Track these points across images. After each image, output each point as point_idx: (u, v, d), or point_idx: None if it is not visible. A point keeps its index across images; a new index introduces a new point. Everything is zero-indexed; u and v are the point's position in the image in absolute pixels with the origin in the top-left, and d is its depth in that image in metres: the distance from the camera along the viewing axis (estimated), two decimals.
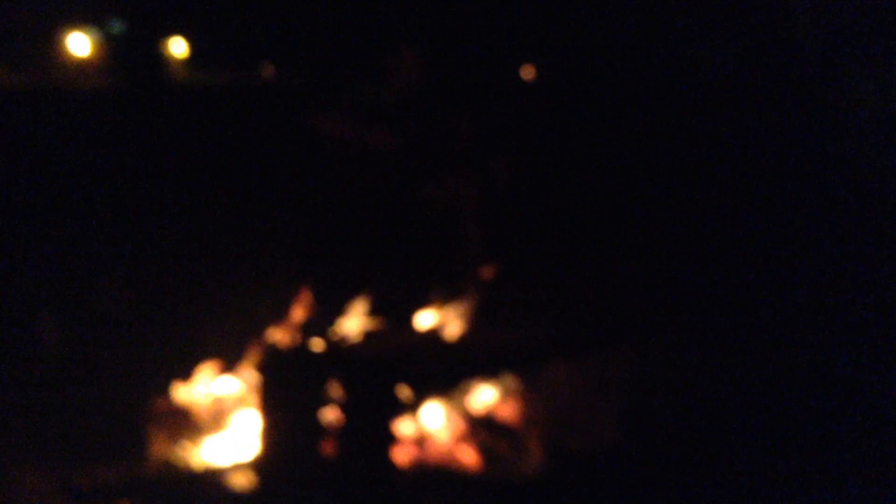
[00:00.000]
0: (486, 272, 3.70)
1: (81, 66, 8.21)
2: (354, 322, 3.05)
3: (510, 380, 2.90)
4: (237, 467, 2.67)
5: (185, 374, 2.79)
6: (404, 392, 2.54)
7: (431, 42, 4.37)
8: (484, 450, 2.84)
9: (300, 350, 2.81)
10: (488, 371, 2.81)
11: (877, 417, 3.14)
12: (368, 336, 2.96)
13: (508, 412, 2.95)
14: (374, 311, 3.09)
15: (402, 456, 2.67)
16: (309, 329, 2.90)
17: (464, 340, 3.00)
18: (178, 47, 8.03)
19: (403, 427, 2.70)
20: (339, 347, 2.86)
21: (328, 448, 2.47)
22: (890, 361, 3.49)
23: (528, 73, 6.32)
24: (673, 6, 5.55)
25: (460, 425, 2.87)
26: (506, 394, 2.92)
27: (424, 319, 3.15)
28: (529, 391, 2.92)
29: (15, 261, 4.11)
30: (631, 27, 5.73)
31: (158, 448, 2.66)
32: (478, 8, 5.75)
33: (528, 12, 5.81)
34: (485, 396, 2.91)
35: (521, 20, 5.86)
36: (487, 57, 5.84)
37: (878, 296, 3.81)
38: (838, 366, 3.24)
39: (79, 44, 8.06)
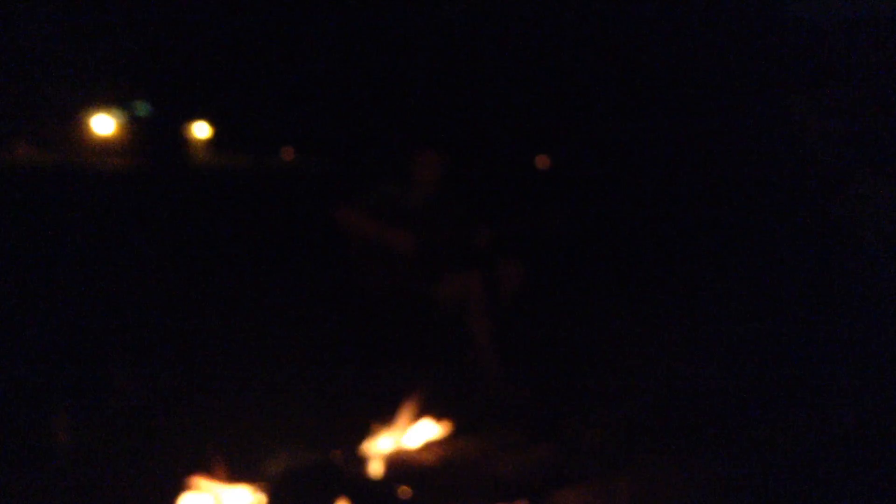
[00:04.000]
0: (494, 378, 3.72)
1: (106, 146, 8.39)
2: (365, 439, 3.05)
3: (517, 501, 2.89)
4: None
5: (194, 482, 2.80)
6: None
7: (455, 144, 4.47)
8: None
9: (309, 466, 2.82)
10: (494, 495, 2.80)
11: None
12: (372, 456, 2.97)
13: None
14: (379, 429, 3.10)
15: None
16: (319, 444, 2.90)
17: (470, 460, 2.99)
18: (201, 130, 8.21)
19: None
20: (347, 465, 2.86)
21: None
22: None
23: (542, 162, 6.39)
24: (680, 109, 5.65)
25: None
26: None
27: (429, 437, 3.15)
28: None
29: (26, 351, 4.16)
30: (642, 121, 5.82)
31: None
32: (500, 105, 5.88)
33: (545, 108, 5.92)
34: None
35: (540, 116, 5.96)
36: (506, 152, 5.95)
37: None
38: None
39: (104, 124, 8.26)
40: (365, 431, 3.09)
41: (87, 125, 8.12)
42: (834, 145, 5.28)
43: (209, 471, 2.81)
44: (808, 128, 5.31)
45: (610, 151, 5.90)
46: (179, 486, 2.81)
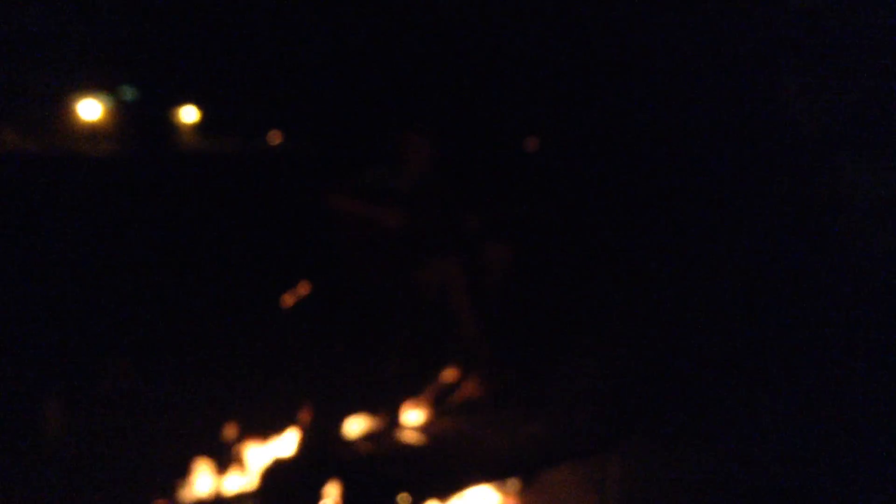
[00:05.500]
0: (482, 362, 3.74)
1: (92, 131, 8.36)
2: (353, 423, 3.07)
3: (510, 481, 2.92)
4: None
5: (187, 470, 2.81)
6: (404, 498, 2.56)
7: (444, 125, 4.46)
8: None
9: (300, 451, 2.84)
10: (487, 473, 2.83)
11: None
12: (366, 437, 2.99)
13: None
14: (372, 411, 3.12)
15: None
16: (309, 430, 2.92)
17: (462, 441, 3.02)
18: (188, 114, 8.19)
19: None
20: (338, 449, 2.89)
21: None
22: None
23: (532, 144, 6.41)
24: (671, 90, 5.65)
25: None
26: (505, 495, 2.94)
27: (421, 418, 3.17)
28: (528, 491, 2.93)
29: (19, 338, 4.15)
30: (630, 106, 5.83)
31: None
32: (490, 89, 5.88)
33: (536, 92, 5.92)
34: (484, 498, 2.92)
35: (531, 100, 5.97)
36: (496, 136, 5.95)
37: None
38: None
39: (90, 110, 8.22)
40: (356, 414, 3.11)
41: (73, 110, 8.08)
42: (821, 126, 5.30)
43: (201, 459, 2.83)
44: (797, 108, 5.33)
45: (598, 134, 5.90)
46: (174, 473, 2.83)
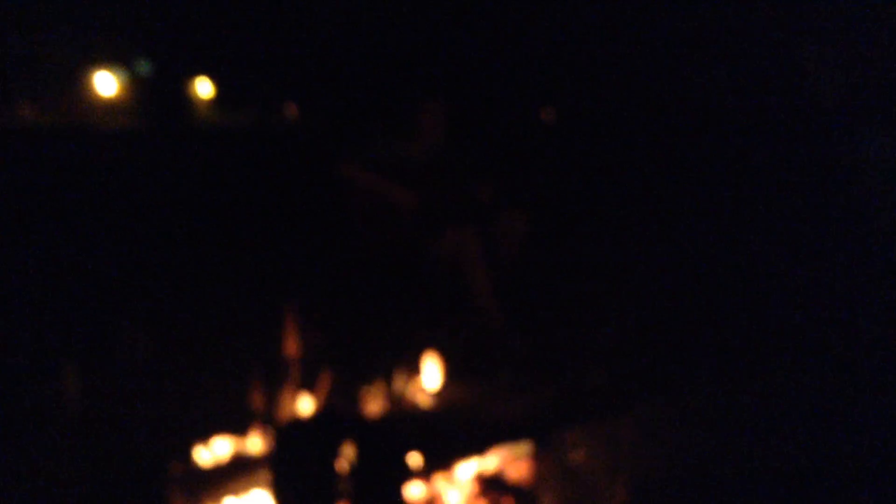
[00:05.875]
0: (496, 330, 3.74)
1: (108, 105, 8.37)
2: (369, 386, 3.10)
3: (522, 443, 2.93)
4: None
5: (204, 435, 2.84)
6: (415, 458, 2.58)
7: (459, 96, 4.46)
8: None
9: (315, 415, 2.87)
10: (499, 435, 2.85)
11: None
12: (379, 401, 3.01)
13: (519, 475, 2.98)
14: (385, 376, 3.14)
15: None
16: (324, 394, 2.95)
17: (474, 403, 3.04)
18: (203, 88, 8.18)
19: (414, 491, 2.74)
20: (351, 412, 2.91)
21: None
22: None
23: (548, 114, 6.39)
24: (689, 58, 5.61)
25: (471, 488, 2.91)
26: (517, 457, 2.96)
27: (433, 381, 3.19)
28: (540, 453, 2.95)
29: (34, 308, 4.19)
30: (645, 75, 5.80)
31: None
32: (502, 61, 5.85)
33: (550, 62, 5.89)
34: (496, 459, 2.94)
35: (544, 70, 5.94)
36: (510, 107, 5.92)
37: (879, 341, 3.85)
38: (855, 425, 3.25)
39: (105, 83, 8.22)
40: (371, 379, 3.13)
41: (89, 85, 8.08)
42: (840, 96, 5.26)
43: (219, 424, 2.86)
44: (816, 78, 5.28)
45: (615, 103, 5.87)
46: (190, 438, 2.86)
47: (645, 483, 2.91)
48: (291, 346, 3.25)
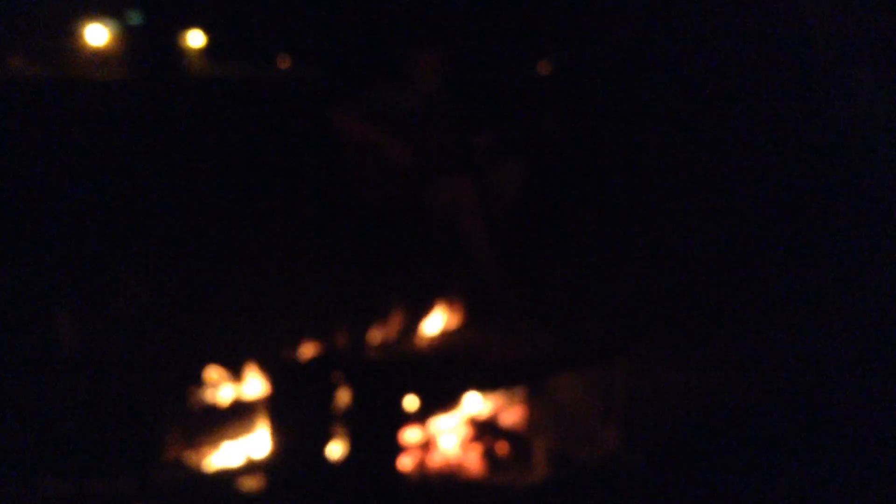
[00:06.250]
0: (492, 279, 3.76)
1: (98, 56, 8.29)
2: (364, 330, 3.11)
3: (516, 388, 2.96)
4: (248, 471, 2.74)
5: (200, 376, 2.86)
6: (411, 401, 2.60)
7: (454, 46, 4.42)
8: (488, 456, 2.90)
9: (311, 359, 2.88)
10: (494, 380, 2.86)
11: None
12: (376, 344, 3.03)
13: (513, 419, 3.01)
14: (381, 319, 3.15)
15: (407, 462, 2.74)
16: (322, 337, 2.96)
17: (470, 348, 3.05)
18: (195, 39, 8.09)
19: (410, 434, 2.76)
20: (348, 355, 2.92)
21: (337, 454, 2.54)
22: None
23: (545, 68, 6.36)
24: (686, 7, 5.57)
25: (465, 432, 2.93)
26: (511, 401, 2.98)
27: (430, 327, 3.20)
28: (534, 398, 2.98)
29: (28, 257, 4.18)
30: (642, 26, 5.76)
31: (173, 451, 2.73)
32: (499, 10, 5.80)
33: (547, 12, 5.84)
34: (490, 404, 2.97)
35: (542, 20, 5.89)
36: (507, 56, 5.88)
37: (877, 294, 3.87)
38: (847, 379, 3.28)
39: (96, 35, 8.13)
40: (367, 324, 3.15)
41: (79, 36, 7.99)
42: (837, 43, 5.23)
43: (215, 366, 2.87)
44: (813, 25, 5.25)
45: (612, 55, 5.83)
46: (186, 384, 2.87)
47: (638, 428, 2.94)
48: (289, 291, 3.26)
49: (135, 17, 7.89)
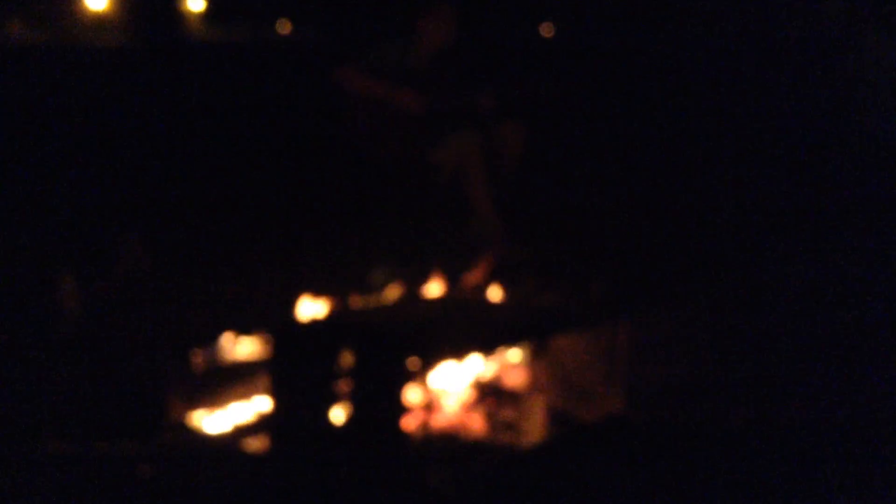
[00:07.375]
0: (497, 239, 3.75)
1: (98, 21, 8.23)
2: (367, 292, 3.11)
3: (518, 348, 2.96)
4: (252, 433, 2.75)
5: (203, 339, 2.86)
6: (414, 362, 2.60)
7: (460, 4, 4.38)
8: (490, 417, 2.90)
9: (314, 319, 2.88)
10: (497, 339, 2.86)
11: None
12: (379, 306, 3.02)
13: (515, 380, 3.01)
14: (384, 281, 3.15)
15: (410, 423, 2.75)
16: (323, 299, 2.96)
17: (473, 310, 3.05)
18: (195, 2, 8.03)
19: (412, 395, 2.77)
20: (351, 317, 2.92)
21: (340, 415, 2.54)
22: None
23: (547, 30, 6.29)
24: None
25: (468, 392, 2.94)
26: (513, 362, 2.98)
27: (433, 289, 3.20)
28: (536, 359, 2.98)
29: (32, 222, 4.19)
30: None
31: (177, 413, 2.74)
32: None
33: None
34: (493, 364, 2.97)
35: None
36: (514, 16, 5.83)
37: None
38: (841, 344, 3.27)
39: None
40: (371, 285, 3.15)
41: (79, 1, 7.94)
42: (846, 2, 5.19)
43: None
44: None
45: (616, 16, 5.79)
46: (188, 344, 2.87)
47: (641, 390, 2.95)
48: (293, 252, 3.24)
49: None
